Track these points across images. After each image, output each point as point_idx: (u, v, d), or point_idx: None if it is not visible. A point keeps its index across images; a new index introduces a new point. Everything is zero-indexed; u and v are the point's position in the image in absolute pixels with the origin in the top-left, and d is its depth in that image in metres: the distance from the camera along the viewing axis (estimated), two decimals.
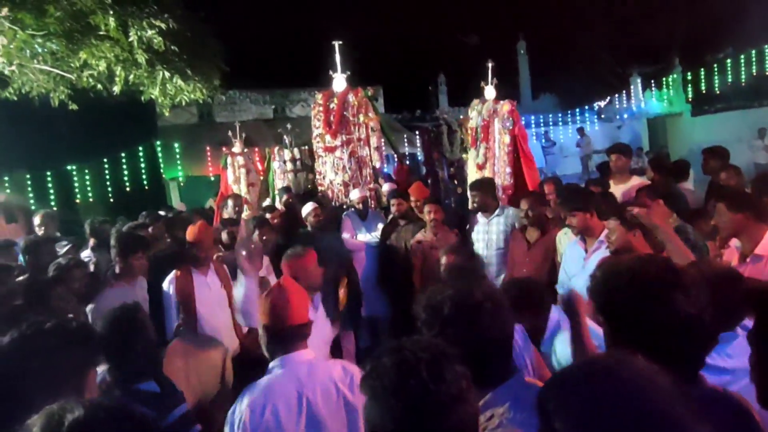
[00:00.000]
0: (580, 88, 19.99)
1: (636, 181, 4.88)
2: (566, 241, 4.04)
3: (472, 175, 6.09)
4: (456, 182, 6.82)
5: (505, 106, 5.96)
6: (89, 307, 3.60)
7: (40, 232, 5.16)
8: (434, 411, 1.11)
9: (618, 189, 4.75)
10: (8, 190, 7.66)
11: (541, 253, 4.32)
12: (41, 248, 4.27)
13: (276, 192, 7.19)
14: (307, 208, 5.44)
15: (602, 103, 19.90)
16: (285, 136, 7.57)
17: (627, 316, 1.34)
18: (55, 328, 1.63)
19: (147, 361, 2.38)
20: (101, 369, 2.35)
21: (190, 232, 3.94)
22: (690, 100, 18.22)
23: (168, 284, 3.86)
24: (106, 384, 2.37)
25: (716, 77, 17.93)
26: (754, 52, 17.21)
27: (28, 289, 3.26)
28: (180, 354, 3.09)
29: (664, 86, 18.71)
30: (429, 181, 7.02)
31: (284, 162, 7.20)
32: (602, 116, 19.66)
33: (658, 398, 0.91)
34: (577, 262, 3.66)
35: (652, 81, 18.94)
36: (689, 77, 18.25)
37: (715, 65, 17.95)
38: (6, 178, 7.97)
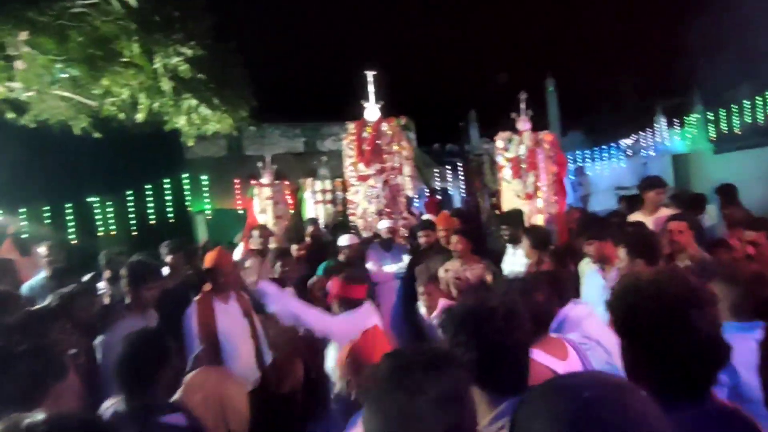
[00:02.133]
0: (607, 126, 19.94)
1: (666, 211, 4.80)
2: (588, 270, 3.96)
3: (513, 205, 5.86)
4: (498, 212, 6.60)
5: (548, 135, 5.90)
6: (99, 340, 3.28)
7: (45, 263, 4.74)
8: (426, 411, 1.08)
9: (648, 219, 4.67)
10: (25, 222, 7.27)
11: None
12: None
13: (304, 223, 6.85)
14: (343, 241, 5.17)
15: (628, 140, 19.61)
16: (320, 168, 7.28)
17: (646, 331, 1.31)
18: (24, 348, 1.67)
19: (173, 391, 2.21)
20: (111, 401, 2.17)
21: (209, 258, 3.80)
22: (711, 138, 18.30)
23: (188, 314, 3.64)
24: (122, 417, 2.05)
25: (735, 117, 17.92)
26: None
27: (26, 321, 3.04)
28: (199, 387, 2.75)
29: (687, 124, 18.76)
30: (468, 210, 6.70)
31: (315, 193, 6.92)
32: (629, 153, 19.33)
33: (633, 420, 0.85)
34: (596, 291, 3.57)
35: (675, 119, 18.99)
36: (710, 116, 18.35)
37: (734, 105, 18.00)
38: (23, 210, 7.58)
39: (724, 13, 17.04)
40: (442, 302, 4.09)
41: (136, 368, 2.06)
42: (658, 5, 17.95)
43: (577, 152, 18.73)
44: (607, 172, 18.66)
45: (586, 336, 2.43)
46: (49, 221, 8.08)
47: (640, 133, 19.21)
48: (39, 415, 1.02)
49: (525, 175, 5.58)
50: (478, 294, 1.74)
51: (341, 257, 5.10)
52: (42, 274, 4.73)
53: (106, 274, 4.82)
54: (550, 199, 5.65)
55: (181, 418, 2.08)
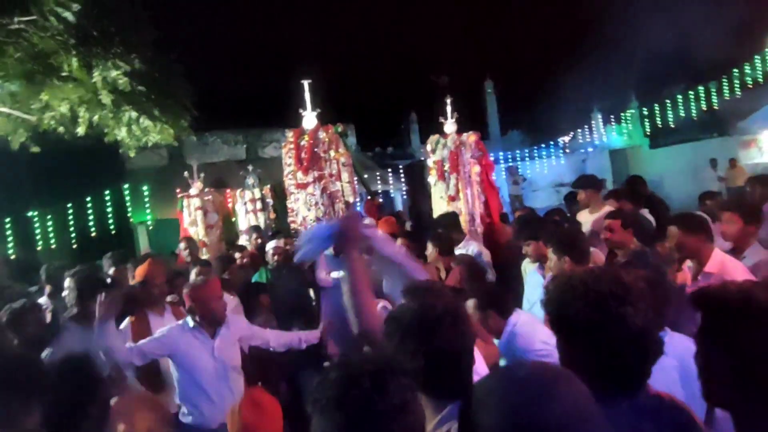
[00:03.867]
0: (546, 124, 20.62)
1: (608, 208, 4.83)
2: (530, 269, 4.14)
3: (439, 209, 6.13)
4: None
5: (471, 137, 6.17)
6: (45, 353, 3.32)
7: None
8: (376, 422, 1.11)
9: (590, 217, 4.81)
10: None
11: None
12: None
13: (239, 232, 7.12)
14: (269, 246, 5.44)
15: (567, 138, 20.55)
16: (247, 178, 7.54)
17: (579, 328, 1.37)
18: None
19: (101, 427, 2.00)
20: None
21: (139, 271, 3.83)
22: (647, 133, 19.20)
23: (123, 329, 3.62)
24: None
25: (670, 112, 18.98)
26: (702, 88, 18.55)
27: None
28: (122, 415, 2.83)
29: (623, 121, 19.67)
30: (411, 214, 7.08)
31: (245, 203, 7.18)
32: (567, 150, 20.27)
33: (561, 406, 0.94)
34: (536, 289, 3.72)
35: (612, 116, 19.84)
36: (645, 112, 19.20)
37: (668, 100, 18.98)
38: None
39: (658, 10, 18.26)
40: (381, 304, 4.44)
41: (63, 400, 1.89)
42: (593, 5, 18.95)
43: (517, 151, 19.41)
44: (547, 169, 19.45)
45: (542, 341, 2.50)
46: None
47: (578, 130, 20.09)
48: None
49: (448, 177, 5.96)
50: (420, 299, 1.70)
51: (271, 262, 5.35)
52: None
53: (48, 288, 4.87)
54: (476, 200, 5.94)
55: None
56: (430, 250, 4.45)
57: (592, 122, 20.12)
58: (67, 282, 3.70)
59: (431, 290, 2.00)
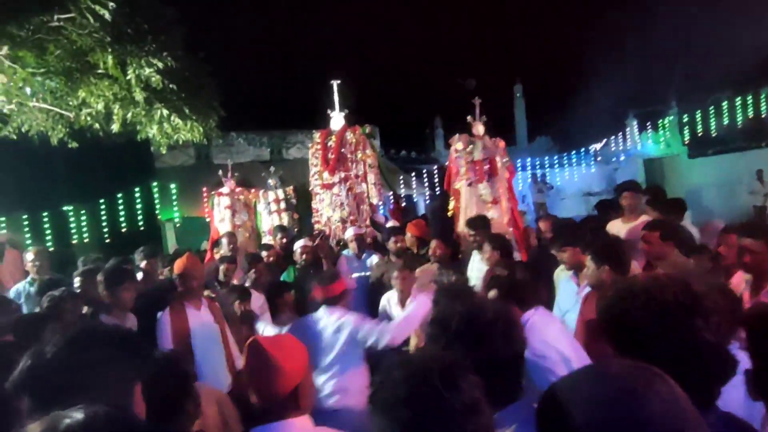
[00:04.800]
0: (577, 131, 20.21)
1: (644, 218, 4.76)
2: (563, 277, 4.08)
3: (470, 212, 5.92)
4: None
5: (501, 142, 6.15)
6: None
7: (33, 268, 5.14)
8: (448, 421, 1.08)
9: (623, 227, 4.71)
10: (4, 230, 7.66)
11: None
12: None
13: (263, 233, 7.26)
14: (297, 245, 5.54)
15: (598, 146, 20.12)
16: (269, 180, 7.69)
17: (639, 340, 1.29)
18: (104, 336, 1.42)
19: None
20: None
21: (178, 265, 3.96)
22: (686, 142, 18.36)
23: (161, 320, 3.81)
24: None
25: (713, 119, 18.18)
26: (750, 95, 17.59)
27: (18, 325, 3.17)
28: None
29: (660, 128, 18.88)
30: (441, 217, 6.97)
31: (269, 203, 7.31)
32: (599, 158, 19.87)
33: (659, 404, 0.89)
34: (570, 297, 3.68)
35: (648, 123, 19.10)
36: (686, 119, 18.45)
37: (712, 107, 18.17)
38: (2, 219, 7.99)
39: (704, 11, 17.17)
40: (416, 290, 4.23)
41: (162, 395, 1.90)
42: (631, 7, 18.33)
43: (545, 158, 19.06)
44: (576, 178, 19.03)
45: (543, 341, 2.49)
46: (27, 229, 8.47)
47: (611, 137, 19.46)
48: (77, 414, 0.98)
49: (491, 179, 5.83)
50: (469, 301, 1.69)
51: (299, 261, 5.51)
52: (28, 279, 5.12)
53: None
54: (506, 206, 5.92)
55: None
56: (489, 253, 4.42)
57: (627, 129, 19.53)
58: (99, 275, 3.82)
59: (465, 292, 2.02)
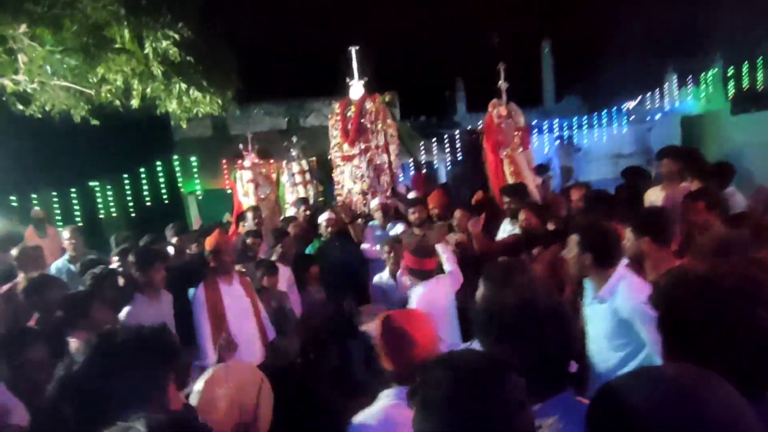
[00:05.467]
0: (609, 88, 19.24)
1: (685, 185, 4.52)
2: None
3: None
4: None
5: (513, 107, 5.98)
6: (123, 313, 3.76)
7: (69, 246, 5.40)
8: (493, 421, 1.11)
9: (662, 195, 4.56)
10: (37, 208, 8.03)
11: (542, 269, 4.04)
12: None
13: (286, 205, 7.37)
14: (322, 218, 5.64)
15: (632, 104, 19.45)
16: (292, 150, 7.75)
17: (694, 331, 1.27)
18: (130, 340, 1.46)
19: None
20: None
21: (210, 241, 4.10)
22: (730, 97, 17.43)
23: (196, 296, 3.99)
24: None
25: (760, 72, 17.21)
26: None
27: (66, 302, 3.35)
28: (222, 381, 2.94)
29: (702, 83, 18.04)
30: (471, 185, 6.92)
31: (293, 175, 7.38)
32: (632, 117, 19.21)
33: (719, 409, 0.92)
34: None
35: (689, 77, 18.24)
36: (730, 72, 17.45)
37: (760, 59, 17.14)
38: (34, 196, 8.37)
39: None
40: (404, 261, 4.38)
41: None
42: None
43: (574, 118, 18.49)
44: (605, 138, 18.48)
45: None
46: (57, 206, 8.85)
47: (647, 94, 18.83)
48: (139, 426, 0.99)
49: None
50: (522, 289, 1.70)
51: (324, 234, 5.62)
52: (65, 256, 5.41)
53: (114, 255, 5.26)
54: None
55: None
56: (525, 220, 4.41)
57: (665, 85, 18.76)
58: (131, 256, 4.02)
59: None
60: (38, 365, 2.84)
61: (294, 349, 4.58)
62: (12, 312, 3.71)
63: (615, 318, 2.66)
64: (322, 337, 4.97)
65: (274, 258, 5.09)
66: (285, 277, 4.90)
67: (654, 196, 4.62)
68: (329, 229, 5.62)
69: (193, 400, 1.91)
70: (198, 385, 1.99)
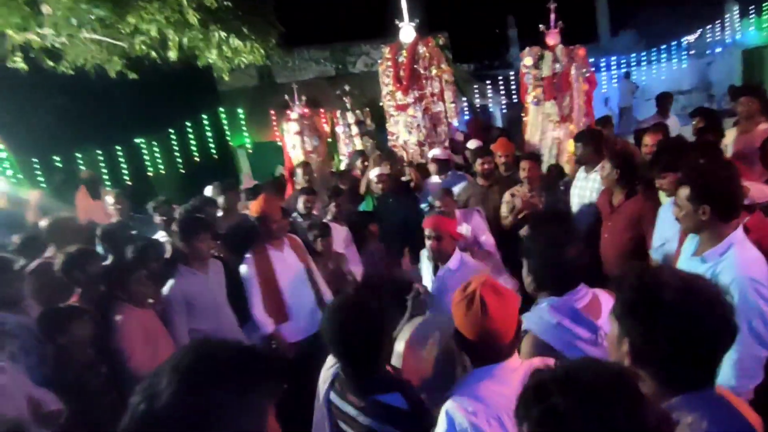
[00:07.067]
0: (666, 22, 17.78)
1: (765, 126, 4.13)
2: (665, 202, 3.43)
3: (538, 131, 5.48)
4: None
5: (581, 50, 5.44)
6: (167, 287, 3.45)
7: (115, 211, 5.00)
8: None
9: (739, 137, 4.16)
10: (82, 167, 7.64)
11: (622, 220, 3.61)
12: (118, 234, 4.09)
13: (342, 157, 6.78)
14: (373, 174, 5.11)
15: (692, 38, 17.84)
16: (345, 98, 7.04)
17: (664, 312, 1.27)
18: (226, 365, 1.04)
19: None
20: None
21: (254, 207, 3.77)
22: None
23: (246, 266, 3.68)
24: (343, 389, 1.94)
25: None
26: None
27: (107, 275, 3.23)
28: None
29: (765, 12, 16.21)
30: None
31: (348, 126, 6.76)
32: (691, 52, 17.66)
33: None
34: (671, 226, 3.05)
35: (752, 7, 16.53)
36: None
37: None
38: (79, 155, 7.95)
39: None
40: (458, 213, 4.07)
41: (364, 336, 1.83)
42: None
43: (632, 55, 17.12)
44: (665, 75, 17.07)
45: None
46: (103, 165, 8.41)
47: (707, 27, 17.33)
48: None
49: (561, 96, 5.22)
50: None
51: (376, 189, 5.09)
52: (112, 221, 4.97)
53: (157, 219, 4.87)
54: (581, 122, 5.31)
55: (400, 399, 1.81)
56: (608, 171, 3.75)
57: (726, 16, 17.09)
58: (174, 225, 3.66)
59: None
60: (83, 343, 2.80)
61: None
62: (49, 288, 3.33)
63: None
64: (384, 297, 4.55)
65: (328, 218, 4.67)
66: (341, 236, 4.47)
67: (729, 137, 4.23)
68: (380, 186, 5.04)
69: (396, 362, 2.06)
70: (398, 347, 2.10)
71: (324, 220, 4.53)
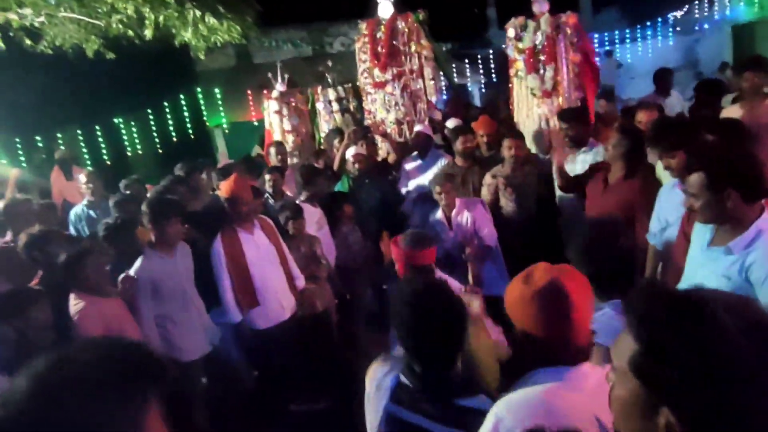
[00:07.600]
0: None
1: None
2: (666, 182, 3.30)
3: (525, 107, 5.34)
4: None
5: (571, 18, 5.19)
6: (133, 268, 3.41)
7: (88, 190, 5.12)
8: None
9: (740, 113, 3.95)
10: (62, 147, 7.78)
11: (615, 201, 3.47)
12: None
13: (322, 134, 6.94)
14: (349, 153, 5.15)
15: (679, 14, 18.02)
16: (327, 74, 7.18)
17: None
18: (89, 364, 0.94)
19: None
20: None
21: (224, 188, 3.71)
22: None
23: (214, 249, 3.67)
24: (413, 392, 1.69)
25: None
26: None
27: (63, 264, 3.06)
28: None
29: None
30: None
31: (329, 102, 6.88)
32: (678, 29, 17.87)
33: None
34: (675, 209, 2.92)
35: None
36: None
37: None
38: (59, 135, 8.10)
39: None
40: (459, 201, 4.10)
41: (444, 332, 1.63)
42: None
43: (615, 32, 17.26)
44: (650, 53, 17.23)
45: None
46: (83, 144, 8.55)
47: (694, 2, 17.23)
48: None
49: (543, 68, 5.03)
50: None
51: (352, 169, 5.13)
52: (84, 201, 5.13)
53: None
54: (572, 96, 5.08)
55: (485, 402, 1.59)
56: (617, 142, 3.63)
57: None
58: (143, 207, 3.54)
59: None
60: (41, 328, 2.69)
61: (326, 296, 4.31)
62: (10, 270, 3.40)
63: (742, 276, 2.13)
64: (358, 281, 4.76)
65: (302, 198, 4.68)
66: (314, 218, 4.50)
67: (732, 114, 4.00)
68: (356, 166, 5.10)
69: None
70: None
71: (297, 201, 4.50)
